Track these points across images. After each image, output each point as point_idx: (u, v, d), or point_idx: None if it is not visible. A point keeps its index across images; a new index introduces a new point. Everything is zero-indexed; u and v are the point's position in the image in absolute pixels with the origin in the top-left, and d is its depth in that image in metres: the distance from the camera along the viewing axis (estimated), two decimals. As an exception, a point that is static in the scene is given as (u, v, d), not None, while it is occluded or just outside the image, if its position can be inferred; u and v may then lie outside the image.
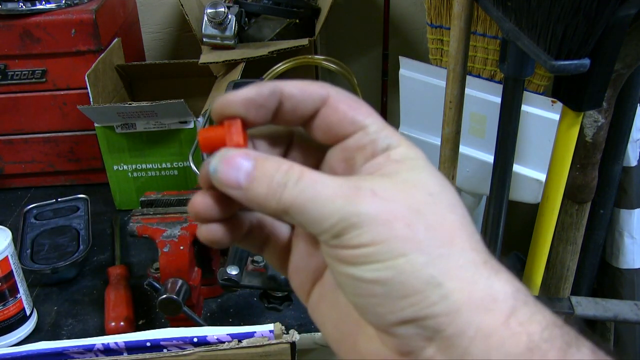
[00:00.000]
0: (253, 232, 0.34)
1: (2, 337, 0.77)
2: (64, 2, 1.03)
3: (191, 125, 0.97)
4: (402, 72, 1.13)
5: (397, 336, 0.27)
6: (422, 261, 0.26)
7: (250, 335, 0.60)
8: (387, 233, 0.26)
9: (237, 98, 0.30)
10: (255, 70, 0.96)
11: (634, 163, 1.08)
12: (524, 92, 0.85)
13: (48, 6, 1.02)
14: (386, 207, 0.27)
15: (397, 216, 0.26)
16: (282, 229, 0.34)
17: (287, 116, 0.31)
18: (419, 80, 1.10)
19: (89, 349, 0.62)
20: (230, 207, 0.31)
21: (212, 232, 0.32)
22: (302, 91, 0.30)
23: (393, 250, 0.26)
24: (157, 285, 0.71)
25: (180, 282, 0.72)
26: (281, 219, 0.32)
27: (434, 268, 0.26)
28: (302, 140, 0.33)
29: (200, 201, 0.31)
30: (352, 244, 0.26)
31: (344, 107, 0.30)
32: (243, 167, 0.28)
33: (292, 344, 0.60)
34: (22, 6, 1.00)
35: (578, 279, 1.08)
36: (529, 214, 1.21)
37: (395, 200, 0.27)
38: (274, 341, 0.60)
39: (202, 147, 0.31)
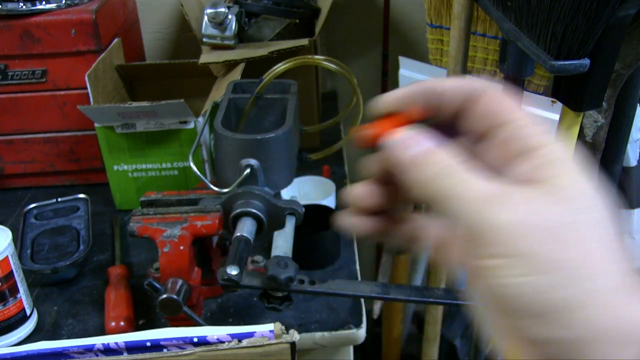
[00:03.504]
0: (400, 227, 0.35)
1: (2, 337, 0.77)
2: (64, 2, 1.03)
3: (191, 125, 0.97)
4: (402, 72, 1.13)
5: (521, 351, 0.26)
6: (553, 282, 0.25)
7: (250, 335, 0.60)
8: (518, 248, 0.25)
9: (394, 96, 0.32)
10: (255, 70, 0.96)
11: (633, 163, 1.08)
12: (524, 92, 0.85)
13: (48, 6, 1.02)
14: (524, 220, 0.26)
15: (533, 231, 0.25)
16: (431, 225, 0.35)
17: (441, 109, 0.32)
18: (418, 80, 1.10)
19: (89, 349, 0.62)
20: (388, 199, 0.33)
21: (363, 223, 0.34)
22: (454, 85, 0.32)
23: (523, 267, 0.25)
24: (157, 285, 0.71)
25: (180, 282, 0.72)
26: (429, 205, 0.33)
27: (566, 291, 0.24)
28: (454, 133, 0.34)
29: (362, 189, 0.33)
30: (480, 253, 0.26)
31: (495, 98, 0.31)
32: (411, 148, 0.30)
33: (292, 344, 0.60)
34: (22, 6, 1.00)
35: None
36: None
37: (537, 213, 0.26)
38: (274, 341, 0.60)
39: (363, 140, 0.33)
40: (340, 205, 0.35)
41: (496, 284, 0.26)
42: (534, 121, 0.30)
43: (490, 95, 0.31)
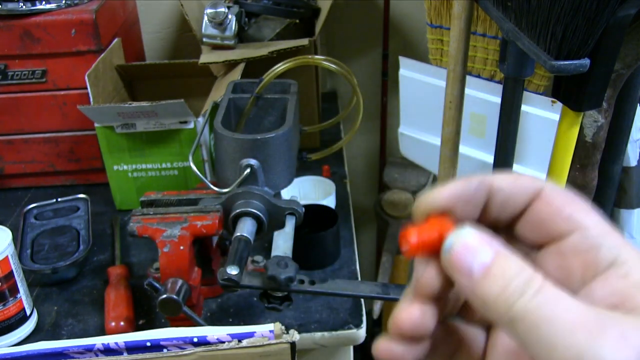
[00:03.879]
0: (442, 342, 0.30)
1: (2, 337, 0.77)
2: (64, 2, 1.03)
3: (191, 125, 0.97)
4: (402, 72, 1.13)
5: None
6: None
7: (250, 335, 0.60)
8: None
9: (445, 193, 0.27)
10: (255, 70, 0.96)
11: (633, 163, 1.08)
12: (524, 92, 0.85)
13: (48, 6, 1.02)
14: (631, 356, 0.22)
15: None
16: (476, 338, 0.30)
17: (496, 211, 0.28)
18: (418, 80, 1.10)
19: (89, 349, 0.62)
20: (439, 317, 0.27)
21: (409, 352, 0.27)
22: (512, 184, 0.27)
23: None
24: (157, 285, 0.71)
25: (180, 282, 0.72)
26: (502, 327, 0.27)
27: None
28: (510, 239, 0.29)
29: (412, 312, 0.27)
30: None
31: (559, 202, 0.26)
32: (481, 255, 0.25)
33: (292, 344, 0.60)
34: (22, 6, 1.00)
35: (578, 279, 1.08)
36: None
37: None
38: (273, 341, 0.60)
39: (415, 249, 0.27)
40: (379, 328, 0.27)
41: None
42: (610, 229, 0.26)
43: (554, 196, 0.27)
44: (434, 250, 0.27)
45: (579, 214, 0.26)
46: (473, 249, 0.25)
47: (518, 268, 0.24)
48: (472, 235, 0.25)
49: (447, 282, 0.27)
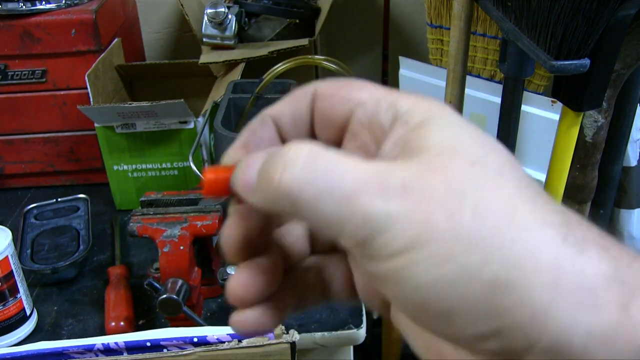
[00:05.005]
0: (305, 291, 0.29)
1: (2, 337, 0.77)
2: (64, 2, 1.03)
3: (191, 125, 0.97)
4: (402, 72, 1.13)
5: (484, 352, 0.21)
6: (477, 259, 0.20)
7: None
8: (426, 233, 0.20)
9: (236, 146, 0.27)
10: (255, 70, 0.96)
11: (634, 163, 1.08)
12: (524, 92, 0.85)
13: (48, 6, 1.02)
14: (421, 198, 0.20)
15: (435, 208, 0.20)
16: (337, 268, 0.29)
17: (292, 133, 0.27)
18: (419, 80, 1.10)
19: (89, 349, 0.62)
20: (273, 274, 0.26)
21: (258, 318, 0.26)
22: (289, 105, 0.27)
23: (437, 254, 0.20)
24: (157, 285, 0.71)
25: (180, 282, 0.72)
26: (290, 218, 0.27)
27: (495, 264, 0.19)
28: None
29: (238, 281, 0.26)
30: (383, 253, 0.21)
31: (331, 90, 0.26)
32: (257, 164, 0.24)
33: (292, 344, 0.60)
34: (22, 6, 1.00)
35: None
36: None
37: (431, 187, 0.21)
38: (274, 341, 0.60)
39: (209, 186, 0.26)
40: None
41: (403, 290, 0.21)
42: (385, 92, 0.24)
43: (324, 89, 0.26)
44: (227, 188, 0.26)
45: (352, 92, 0.25)
46: (252, 164, 0.24)
47: (298, 150, 0.22)
48: (245, 158, 0.25)
49: (250, 227, 0.26)
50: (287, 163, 0.22)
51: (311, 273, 0.29)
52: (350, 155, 0.22)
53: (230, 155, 0.27)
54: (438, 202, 0.20)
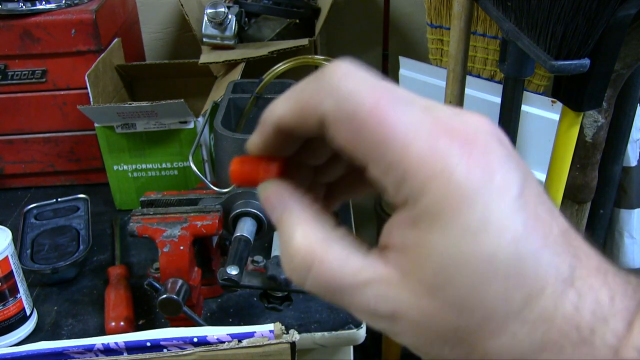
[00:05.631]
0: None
1: (2, 337, 0.77)
2: (64, 2, 1.03)
3: (191, 125, 0.97)
4: (402, 72, 1.13)
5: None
6: (463, 352, 0.23)
7: (250, 335, 0.60)
8: (404, 310, 0.24)
9: (256, 139, 0.29)
10: (255, 70, 0.96)
11: (634, 163, 1.08)
12: (524, 92, 0.85)
13: (48, 6, 1.02)
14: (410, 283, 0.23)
15: (423, 287, 0.23)
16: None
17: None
18: (419, 80, 1.10)
19: (89, 349, 0.62)
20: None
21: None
22: (297, 117, 0.26)
23: (419, 332, 0.24)
24: (157, 285, 0.71)
25: (180, 282, 0.72)
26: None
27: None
28: None
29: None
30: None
31: (340, 139, 0.24)
32: (273, 213, 0.29)
33: (292, 344, 0.60)
34: (22, 6, 1.00)
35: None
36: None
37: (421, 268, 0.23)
38: (274, 341, 0.60)
39: (235, 177, 0.31)
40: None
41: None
42: (391, 161, 0.23)
43: (334, 126, 0.24)
44: (253, 183, 0.30)
45: (360, 152, 0.24)
46: (269, 205, 0.29)
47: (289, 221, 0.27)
48: (269, 190, 0.29)
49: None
50: (297, 270, 0.26)
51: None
52: (352, 254, 0.25)
53: (255, 143, 0.29)
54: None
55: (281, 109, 0.27)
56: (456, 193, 0.21)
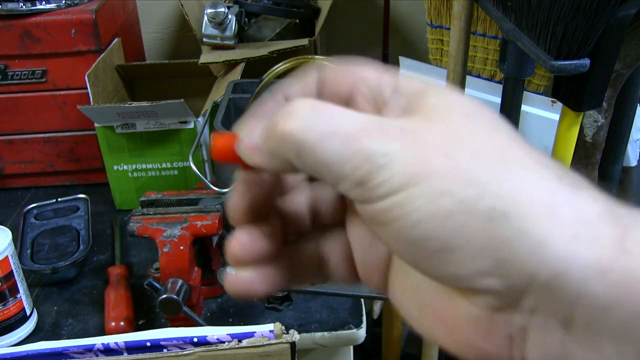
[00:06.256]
0: (303, 263, 0.29)
1: (2, 337, 0.77)
2: (64, 2, 1.03)
3: (191, 125, 0.97)
4: (402, 72, 1.13)
5: (483, 292, 0.21)
6: (474, 192, 0.20)
7: (250, 335, 0.60)
8: (423, 170, 0.21)
9: (245, 118, 0.27)
10: (255, 70, 0.96)
11: (634, 163, 1.08)
12: (524, 92, 0.85)
13: (48, 6, 1.02)
14: (419, 140, 0.22)
15: (432, 147, 0.21)
16: (336, 244, 0.29)
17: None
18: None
19: (89, 349, 0.62)
20: (272, 239, 0.27)
21: (250, 279, 0.27)
22: (298, 83, 0.28)
23: (434, 190, 0.21)
24: (157, 285, 0.71)
25: (180, 282, 0.72)
26: (292, 173, 0.27)
27: (491, 196, 0.20)
28: None
29: (237, 241, 0.27)
30: (382, 191, 0.21)
31: (336, 68, 0.27)
32: (261, 126, 0.25)
33: (292, 344, 0.60)
34: (22, 6, 1.00)
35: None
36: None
37: (429, 132, 0.22)
38: (274, 341, 0.60)
39: (216, 152, 0.28)
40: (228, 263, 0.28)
41: (403, 227, 0.21)
42: (389, 70, 0.26)
43: (329, 69, 0.27)
44: (233, 152, 0.27)
45: (356, 69, 0.26)
46: (246, 126, 0.25)
47: (302, 104, 0.24)
48: (246, 124, 0.26)
49: (255, 194, 0.28)
50: (290, 112, 0.23)
51: (310, 247, 0.30)
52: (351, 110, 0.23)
53: (241, 126, 0.27)
54: (436, 144, 0.21)
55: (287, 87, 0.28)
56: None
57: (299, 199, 0.30)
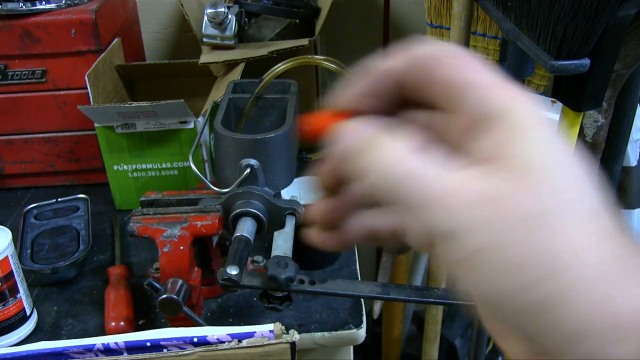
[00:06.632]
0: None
1: (2, 337, 0.77)
2: (64, 2, 1.03)
3: (191, 125, 0.97)
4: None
5: (512, 346, 0.24)
6: (529, 279, 0.22)
7: (250, 335, 0.60)
8: (492, 245, 0.22)
9: (349, 93, 0.29)
10: (255, 70, 0.96)
11: (634, 163, 1.08)
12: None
13: (48, 6, 1.02)
14: (493, 213, 0.22)
15: (510, 224, 0.22)
16: None
17: (392, 92, 0.29)
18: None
19: (89, 349, 0.62)
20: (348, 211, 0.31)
21: (334, 238, 0.31)
22: (402, 62, 0.27)
23: (491, 267, 0.22)
24: (157, 285, 0.71)
25: (180, 282, 0.72)
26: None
27: (547, 286, 0.21)
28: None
29: (319, 206, 0.31)
30: (448, 258, 0.23)
31: (454, 63, 0.26)
32: (363, 133, 0.27)
33: (292, 344, 0.60)
34: (22, 6, 1.00)
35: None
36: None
37: (508, 202, 0.22)
38: (274, 341, 0.60)
39: (307, 131, 0.31)
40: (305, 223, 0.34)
41: (469, 283, 0.23)
42: (502, 83, 0.25)
43: (448, 61, 0.26)
44: (323, 134, 0.30)
45: (472, 72, 0.25)
46: (346, 134, 0.27)
47: (383, 143, 0.26)
48: (346, 124, 0.28)
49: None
50: (375, 161, 0.25)
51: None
52: (435, 161, 0.24)
53: (338, 100, 0.30)
54: (510, 223, 0.22)
55: (391, 62, 0.28)
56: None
57: None
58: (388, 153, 0.25)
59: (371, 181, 0.25)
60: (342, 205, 0.30)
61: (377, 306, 1.29)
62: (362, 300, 0.84)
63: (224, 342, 0.61)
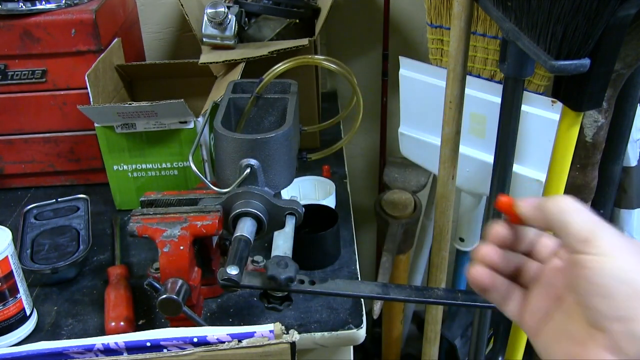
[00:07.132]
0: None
1: (2, 337, 0.77)
2: (64, 2, 1.03)
3: (191, 125, 0.98)
4: (402, 72, 1.13)
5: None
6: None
7: (250, 335, 0.60)
8: None
9: (530, 209, 0.42)
10: (255, 70, 0.96)
11: (634, 163, 1.08)
12: (524, 92, 0.85)
13: (48, 6, 1.02)
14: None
15: None
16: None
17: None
18: (419, 80, 1.10)
19: (89, 349, 0.62)
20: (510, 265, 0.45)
21: (491, 276, 0.44)
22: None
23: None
24: (157, 285, 0.71)
25: (180, 282, 0.72)
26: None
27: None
28: None
29: (489, 248, 0.44)
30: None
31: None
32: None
33: (292, 344, 0.60)
34: (22, 6, 1.00)
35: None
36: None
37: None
38: (274, 341, 0.60)
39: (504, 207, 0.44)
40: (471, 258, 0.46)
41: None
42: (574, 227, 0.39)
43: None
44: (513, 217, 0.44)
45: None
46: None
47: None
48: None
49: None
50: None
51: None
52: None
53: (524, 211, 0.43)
54: None
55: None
56: None
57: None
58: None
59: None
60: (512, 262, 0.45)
61: (377, 306, 1.29)
62: (362, 300, 0.84)
63: (224, 342, 0.61)
